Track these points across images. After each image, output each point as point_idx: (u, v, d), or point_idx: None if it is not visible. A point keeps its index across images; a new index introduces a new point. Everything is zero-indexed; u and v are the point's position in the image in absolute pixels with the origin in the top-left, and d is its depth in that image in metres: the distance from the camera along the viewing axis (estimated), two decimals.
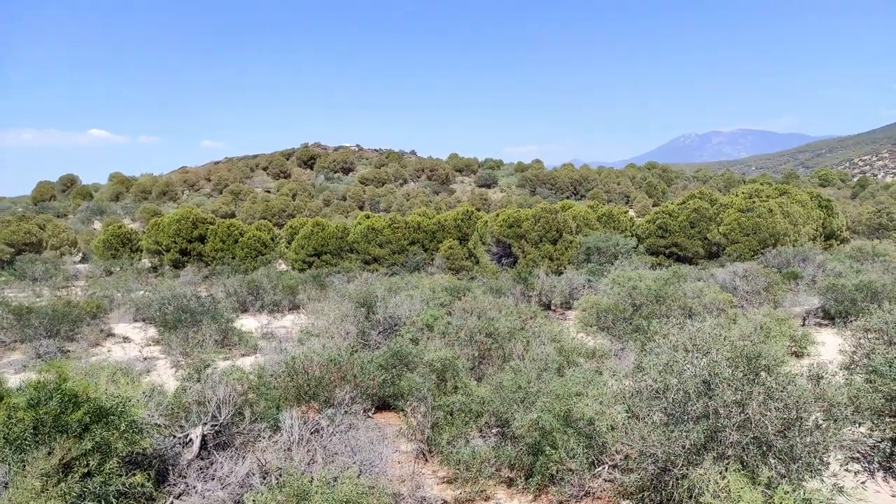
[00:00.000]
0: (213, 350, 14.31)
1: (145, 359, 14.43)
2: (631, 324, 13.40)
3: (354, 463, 6.80)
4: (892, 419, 7.23)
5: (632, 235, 31.25)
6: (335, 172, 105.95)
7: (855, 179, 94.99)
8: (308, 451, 7.20)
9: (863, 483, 7.03)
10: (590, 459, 7.01)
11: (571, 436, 6.92)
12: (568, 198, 76.82)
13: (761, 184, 37.29)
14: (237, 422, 7.97)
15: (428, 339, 11.92)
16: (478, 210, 37.73)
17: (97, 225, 67.28)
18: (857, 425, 7.05)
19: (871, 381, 7.35)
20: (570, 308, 20.50)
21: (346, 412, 8.22)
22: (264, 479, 6.52)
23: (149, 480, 6.04)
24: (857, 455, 7.59)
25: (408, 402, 8.86)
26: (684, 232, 29.26)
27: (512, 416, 7.77)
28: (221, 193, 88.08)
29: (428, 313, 13.52)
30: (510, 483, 7.48)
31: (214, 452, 7.28)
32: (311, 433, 7.55)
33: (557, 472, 6.93)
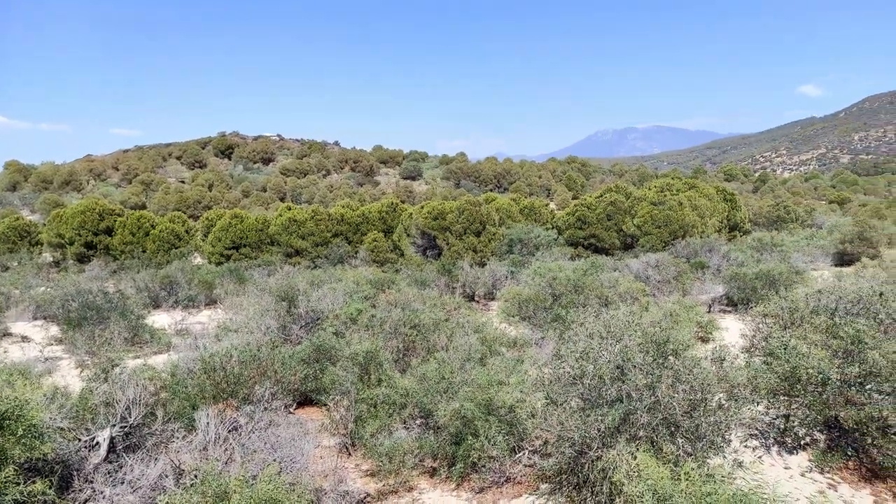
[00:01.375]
0: (123, 349, 13.59)
1: (46, 359, 13.50)
2: (551, 313, 13.78)
3: (275, 460, 6.65)
4: (786, 397, 7.80)
5: (552, 227, 32.11)
6: (254, 163, 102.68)
7: (756, 175, 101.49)
8: (225, 449, 6.97)
9: (759, 458, 7.57)
10: (510, 446, 7.18)
11: (493, 424, 7.05)
12: (491, 190, 77.94)
13: (672, 178, 39.19)
14: (149, 423, 7.61)
15: (351, 332, 11.81)
16: (402, 202, 37.65)
17: None
18: (755, 404, 7.56)
19: (767, 363, 7.90)
20: (493, 299, 20.85)
21: (265, 409, 8.01)
22: (179, 480, 6.26)
23: (51, 487, 5.67)
24: (755, 432, 8.14)
25: (330, 397, 8.75)
26: (601, 224, 30.33)
27: (435, 406, 7.83)
28: (131, 184, 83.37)
29: (351, 306, 13.38)
30: (433, 473, 7.54)
31: (124, 455, 6.93)
32: (229, 431, 7.31)
33: (479, 460, 7.05)
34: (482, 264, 24.80)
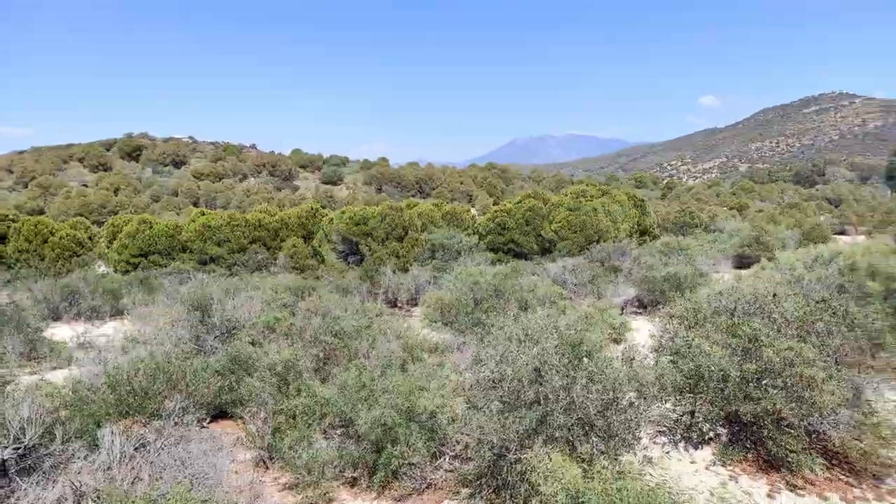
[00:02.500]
0: (17, 364, 12.61)
1: None
2: (472, 318, 13.94)
3: (185, 477, 6.36)
4: (691, 394, 8.24)
5: (474, 233, 32.52)
6: (165, 166, 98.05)
7: (664, 182, 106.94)
8: (132, 468, 6.60)
9: (667, 453, 7.96)
10: (431, 452, 7.20)
11: (414, 430, 7.05)
12: (413, 196, 78.05)
13: (587, 185, 40.66)
14: (46, 443, 7.10)
15: (270, 341, 11.48)
16: (323, 207, 37.00)
17: None
18: (663, 402, 7.94)
19: (674, 362, 8.32)
20: (415, 304, 20.86)
21: (176, 424, 7.66)
22: (79, 503, 5.88)
23: None
24: (664, 428, 8.56)
25: (247, 409, 8.48)
26: (521, 229, 31.02)
27: (356, 414, 7.74)
28: (27, 187, 77.58)
29: (269, 315, 13.02)
30: (354, 483, 7.44)
31: (17, 479, 6.44)
32: (136, 449, 6.94)
33: (400, 467, 7.02)
34: (405, 270, 24.77)
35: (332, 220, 30.61)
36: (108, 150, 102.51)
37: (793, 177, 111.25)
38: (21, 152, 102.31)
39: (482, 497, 6.66)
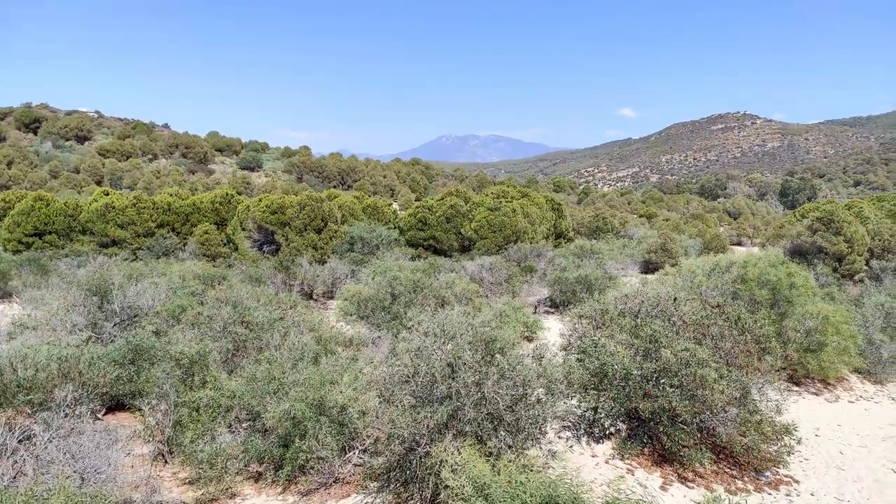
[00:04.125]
0: None
1: None
2: (389, 312, 13.90)
3: (75, 472, 5.98)
4: (595, 391, 8.60)
5: (395, 227, 32.42)
6: (66, 140, 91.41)
7: (581, 188, 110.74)
8: (14, 462, 6.13)
9: (571, 447, 8.27)
10: (341, 445, 7.13)
11: (324, 424, 6.96)
12: (335, 187, 76.81)
13: (508, 186, 41.46)
14: None
15: (175, 330, 10.97)
16: (239, 194, 35.73)
17: None
18: (569, 398, 8.24)
19: (581, 360, 8.65)
20: (332, 297, 20.57)
21: (66, 415, 7.18)
22: None
23: None
24: (568, 424, 8.88)
25: (146, 401, 8.07)
26: (441, 226, 31.22)
27: (264, 408, 7.54)
28: None
29: (175, 303, 12.44)
30: (259, 477, 7.26)
31: None
32: (20, 441, 6.45)
33: (308, 462, 6.91)
34: (322, 262, 24.36)
35: (248, 207, 29.62)
36: (2, 119, 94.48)
37: (698, 189, 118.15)
38: None
39: (390, 490, 6.67)
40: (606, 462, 7.90)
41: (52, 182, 64.88)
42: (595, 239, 37.39)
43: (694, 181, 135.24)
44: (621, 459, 7.96)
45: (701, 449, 7.66)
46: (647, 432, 8.29)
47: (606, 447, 8.32)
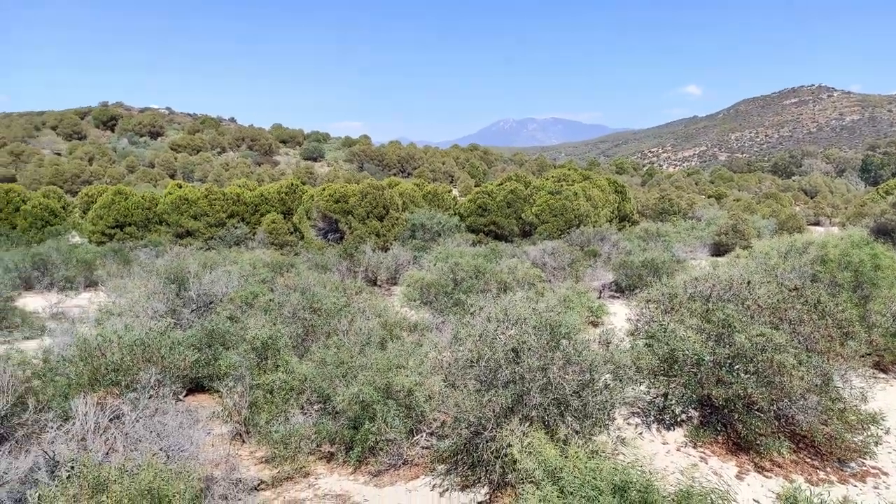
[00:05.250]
0: None
1: None
2: (452, 298, 13.98)
3: (161, 449, 6.34)
4: (665, 378, 8.40)
5: (455, 214, 32.50)
6: (141, 136, 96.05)
7: (645, 169, 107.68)
8: (106, 439, 6.55)
9: (640, 434, 8.12)
10: (408, 428, 7.25)
11: (391, 407, 7.09)
12: (395, 175, 77.57)
13: (568, 169, 40.78)
14: (18, 412, 7.02)
15: (248, 316, 11.40)
16: (303, 184, 36.61)
17: None
18: (637, 384, 8.08)
19: (649, 346, 8.46)
20: (395, 284, 20.86)
21: (151, 396, 7.60)
22: (53, 473, 5.82)
23: None
24: (637, 410, 8.72)
25: (223, 383, 8.44)
26: (502, 211, 31.07)
27: (334, 391, 7.76)
28: None
29: (247, 290, 12.91)
30: (330, 458, 7.48)
31: None
32: (111, 420, 6.88)
33: (377, 444, 7.07)
34: (385, 249, 24.71)
35: (312, 196, 30.33)
36: (82, 118, 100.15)
37: (771, 167, 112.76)
38: None
39: (458, 473, 6.75)
40: (678, 449, 7.72)
41: (129, 176, 68.35)
42: (661, 221, 36.32)
43: (766, 159, 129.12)
44: (694, 447, 7.76)
45: (779, 438, 7.37)
46: (721, 420, 8.05)
47: (678, 434, 8.12)
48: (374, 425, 7.02)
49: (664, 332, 8.33)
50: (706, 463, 7.35)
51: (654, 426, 8.35)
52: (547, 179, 34.36)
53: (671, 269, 17.27)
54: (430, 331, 12.05)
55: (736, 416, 7.68)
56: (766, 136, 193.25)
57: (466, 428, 6.50)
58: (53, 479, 5.60)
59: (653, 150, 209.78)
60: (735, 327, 7.82)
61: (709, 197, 55.85)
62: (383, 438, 7.05)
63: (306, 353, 9.82)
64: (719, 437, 7.93)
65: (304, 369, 8.44)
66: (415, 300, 14.66)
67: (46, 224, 30.91)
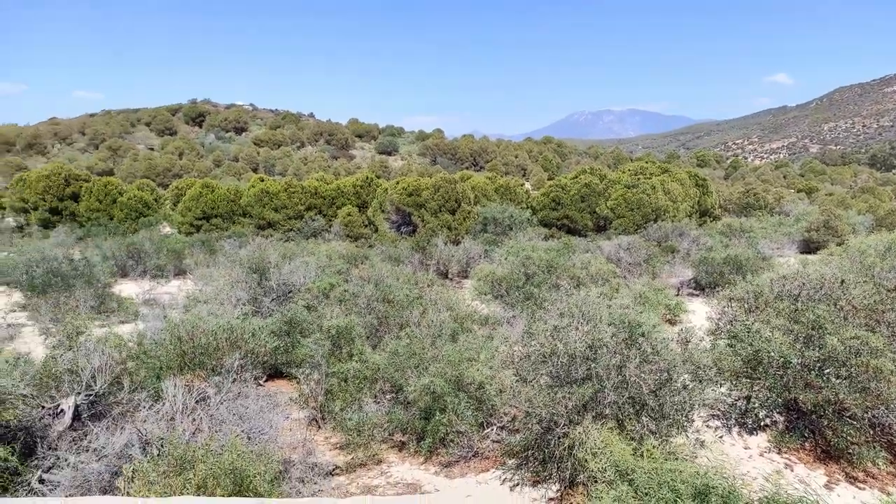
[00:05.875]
0: (88, 316, 13.32)
1: (9, 325, 13.19)
2: (523, 292, 13.89)
3: (243, 431, 6.63)
4: (748, 380, 8.01)
5: (527, 207, 32.21)
6: (227, 132, 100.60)
7: (728, 161, 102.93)
8: (193, 420, 6.92)
9: (721, 437, 7.79)
10: (479, 421, 7.26)
11: (462, 399, 7.12)
12: (467, 168, 77.69)
13: (646, 162, 39.53)
14: (114, 391, 7.53)
15: (324, 306, 11.75)
16: (378, 177, 37.31)
17: None
18: (718, 385, 7.75)
19: (731, 346, 8.09)
20: (466, 277, 20.92)
21: (234, 380, 7.96)
22: (144, 449, 6.21)
23: (13, 454, 5.59)
24: (718, 412, 8.37)
25: (301, 370, 8.74)
26: (575, 205, 30.53)
27: (406, 381, 7.87)
28: (98, 149, 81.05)
29: (324, 280, 13.30)
30: (402, 447, 7.60)
31: (89, 424, 6.85)
32: (197, 402, 7.26)
33: (448, 435, 7.13)
34: (456, 242, 24.82)
35: (386, 190, 30.85)
36: (173, 115, 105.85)
37: (868, 159, 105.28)
38: (92, 115, 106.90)
39: (528, 468, 6.70)
40: (761, 455, 7.36)
41: (215, 170, 71.74)
42: (745, 217, 34.66)
43: (863, 151, 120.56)
44: (778, 453, 7.37)
45: (874, 447, 6.88)
46: (809, 425, 7.60)
47: (761, 439, 7.74)
48: (445, 417, 7.08)
49: (748, 332, 7.95)
50: (791, 470, 6.97)
51: (736, 430, 8.00)
52: (623, 172, 33.47)
53: (756, 266, 16.45)
54: (501, 325, 12.02)
55: (826, 423, 7.23)
56: (863, 126, 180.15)
57: (538, 423, 6.44)
58: (145, 455, 5.98)
59: (737, 141, 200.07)
60: (826, 329, 7.36)
61: (798, 191, 52.78)
62: (454, 430, 7.10)
63: (379, 343, 10.02)
64: (806, 444, 7.50)
65: (377, 359, 8.61)
66: (486, 294, 14.66)
67: (140, 215, 32.94)
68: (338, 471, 7.05)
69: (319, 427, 8.24)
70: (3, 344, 10.28)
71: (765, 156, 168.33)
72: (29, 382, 6.81)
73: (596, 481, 5.10)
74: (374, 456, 7.27)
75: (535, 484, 6.58)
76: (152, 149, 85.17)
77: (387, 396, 8.43)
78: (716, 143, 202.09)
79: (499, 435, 7.41)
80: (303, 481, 6.43)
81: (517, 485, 6.61)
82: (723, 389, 8.15)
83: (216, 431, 6.66)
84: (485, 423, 7.41)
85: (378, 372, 8.41)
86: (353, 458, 7.24)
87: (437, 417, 7.14)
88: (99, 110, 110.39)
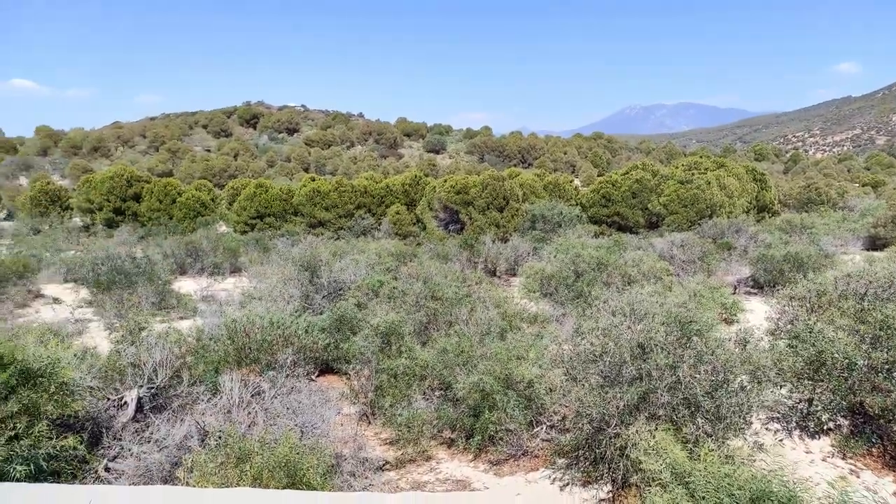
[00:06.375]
0: (150, 312, 13.88)
1: (77, 321, 13.86)
2: (573, 290, 13.72)
3: (296, 425, 6.78)
4: (810, 382, 7.70)
5: (576, 204, 31.78)
6: (279, 133, 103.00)
7: (788, 155, 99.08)
8: (248, 413, 7.12)
9: (780, 441, 7.51)
10: (528, 420, 7.22)
11: (511, 397, 7.09)
12: (515, 165, 77.20)
13: (700, 157, 38.42)
14: (175, 384, 7.82)
15: (374, 303, 11.90)
16: (426, 175, 37.50)
17: (23, 181, 63.47)
18: (778, 387, 7.48)
19: (792, 346, 7.79)
20: (514, 275, 20.81)
21: (288, 375, 8.15)
22: (203, 441, 6.43)
23: (81, 443, 5.87)
24: (777, 415, 8.07)
25: (352, 366, 8.87)
26: (626, 202, 29.97)
27: (455, 379, 7.89)
28: (158, 151, 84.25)
29: (374, 278, 13.46)
30: (451, 443, 7.63)
31: (151, 415, 7.13)
32: (252, 396, 7.47)
33: (497, 433, 7.11)
34: (504, 240, 24.72)
35: (434, 188, 30.98)
36: (228, 117, 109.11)
37: None
38: (153, 118, 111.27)
39: (579, 468, 6.62)
40: (823, 460, 7.06)
41: (268, 170, 73.58)
42: (806, 212, 33.30)
43: None
44: (843, 458, 7.06)
45: None
46: (876, 430, 7.25)
47: (823, 443, 7.43)
48: (494, 415, 7.06)
49: (810, 332, 7.63)
50: (857, 476, 6.66)
51: (797, 433, 7.70)
52: (676, 168, 32.64)
53: (818, 264, 15.78)
54: (550, 323, 11.91)
55: (895, 428, 6.89)
56: None
57: (588, 423, 6.35)
58: (203, 447, 6.19)
59: (797, 134, 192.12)
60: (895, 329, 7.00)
61: (864, 185, 50.38)
62: (503, 428, 7.08)
63: (428, 340, 10.08)
64: (873, 449, 7.15)
65: (426, 356, 8.67)
66: (535, 291, 14.55)
67: (198, 214, 34.06)
68: (388, 466, 7.14)
69: (370, 422, 8.35)
70: (71, 338, 10.80)
71: (827, 149, 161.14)
72: (95, 375, 7.14)
73: (649, 483, 5.00)
74: (423, 452, 7.32)
75: (585, 484, 6.50)
76: (209, 150, 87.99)
77: (436, 393, 8.48)
78: (774, 136, 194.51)
79: (548, 434, 7.35)
80: (354, 475, 6.53)
81: (567, 485, 6.54)
82: (783, 391, 7.86)
83: (271, 425, 6.84)
84: (534, 422, 7.36)
85: (427, 369, 8.46)
86: (402, 454, 7.31)
87: (486, 415, 7.14)
88: (159, 114, 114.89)
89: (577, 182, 46.92)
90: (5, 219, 44.00)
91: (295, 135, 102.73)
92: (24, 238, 29.17)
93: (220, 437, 6.07)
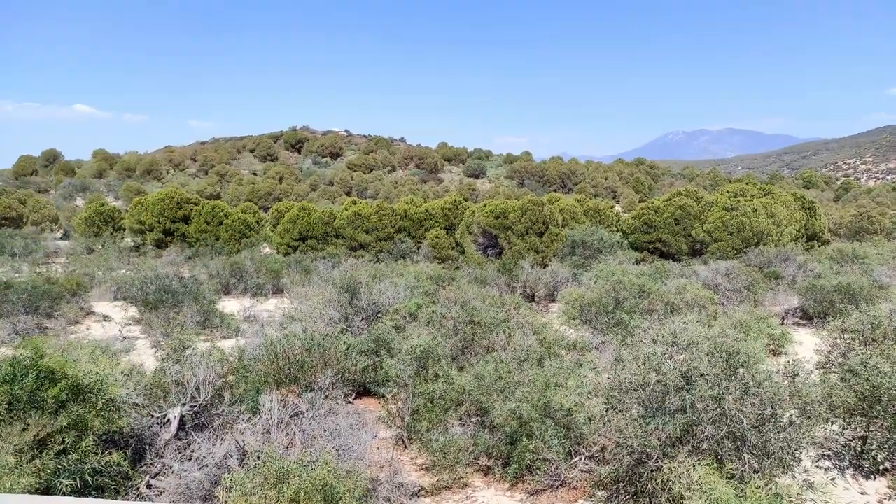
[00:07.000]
0: (194, 331, 14.21)
1: (125, 338, 14.30)
2: (613, 318, 13.49)
3: (333, 447, 6.81)
4: (864, 418, 7.37)
5: (617, 230, 31.39)
6: (323, 157, 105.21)
7: (839, 182, 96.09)
8: (287, 434, 7.19)
9: (832, 480, 7.18)
10: (567, 450, 7.08)
11: (549, 426, 6.98)
12: (555, 191, 76.92)
13: (746, 183, 37.60)
14: (216, 403, 7.95)
15: (412, 327, 11.92)
16: (465, 200, 37.67)
17: (79, 202, 66.25)
18: (829, 423, 7.18)
19: (845, 380, 7.48)
20: (553, 300, 20.60)
21: (326, 396, 8.21)
22: (242, 460, 6.51)
23: (125, 459, 6.00)
24: (829, 452, 7.73)
25: (389, 389, 8.88)
26: (669, 229, 29.47)
27: (492, 405, 7.82)
28: (207, 174, 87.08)
29: (412, 301, 13.51)
30: (487, 471, 7.53)
31: (192, 433, 7.26)
32: (291, 417, 7.54)
33: (534, 462, 6.99)
34: (543, 265, 24.54)
35: (473, 212, 31.08)
36: (275, 141, 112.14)
37: None
38: (203, 143, 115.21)
39: (619, 502, 6.45)
40: (879, 502, 6.71)
41: (312, 194, 75.08)
42: (858, 241, 32.11)
43: None
44: None
45: None
46: None
47: (880, 484, 7.07)
48: (531, 443, 6.95)
49: (865, 365, 7.32)
50: None
51: (850, 472, 7.34)
52: (721, 194, 32.00)
53: (871, 295, 15.15)
54: (590, 350, 11.72)
55: None
56: None
57: (629, 455, 6.20)
58: (242, 466, 6.26)
59: (848, 161, 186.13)
60: None
61: None
62: (541, 457, 6.96)
63: (466, 365, 10.03)
64: None
65: (463, 381, 8.62)
66: (574, 318, 14.36)
67: (243, 236, 34.90)
68: (423, 492, 7.08)
69: (406, 447, 8.32)
70: (119, 355, 11.13)
71: (880, 176, 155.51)
72: (141, 392, 7.33)
73: None
74: (459, 479, 7.24)
75: None
76: (255, 173, 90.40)
77: (472, 419, 8.41)
78: (824, 163, 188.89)
79: (587, 465, 7.19)
80: (389, 501, 6.50)
81: None
82: (834, 427, 7.54)
83: (308, 446, 6.88)
84: (573, 452, 7.21)
85: (464, 394, 8.41)
86: (438, 481, 7.25)
87: (523, 443, 7.03)
88: (209, 138, 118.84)
89: (617, 208, 46.41)
90: (62, 238, 45.92)
91: (338, 159, 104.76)
92: (78, 257, 30.34)
93: (258, 458, 6.14)
